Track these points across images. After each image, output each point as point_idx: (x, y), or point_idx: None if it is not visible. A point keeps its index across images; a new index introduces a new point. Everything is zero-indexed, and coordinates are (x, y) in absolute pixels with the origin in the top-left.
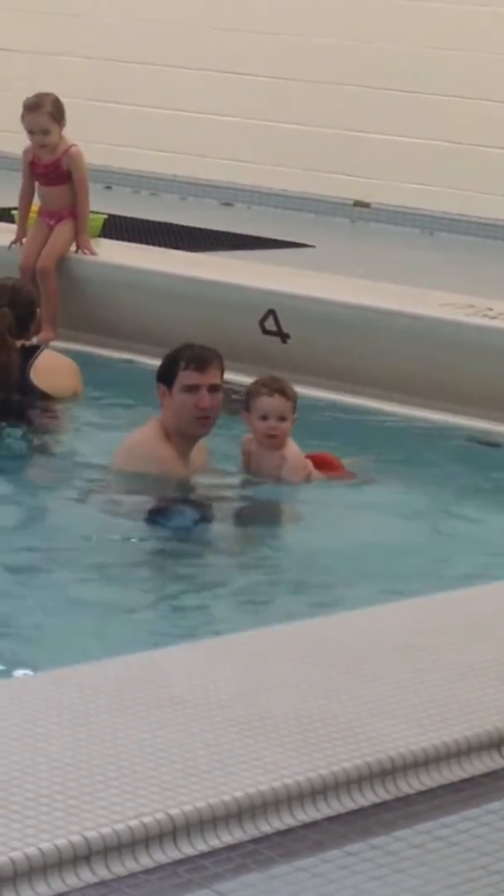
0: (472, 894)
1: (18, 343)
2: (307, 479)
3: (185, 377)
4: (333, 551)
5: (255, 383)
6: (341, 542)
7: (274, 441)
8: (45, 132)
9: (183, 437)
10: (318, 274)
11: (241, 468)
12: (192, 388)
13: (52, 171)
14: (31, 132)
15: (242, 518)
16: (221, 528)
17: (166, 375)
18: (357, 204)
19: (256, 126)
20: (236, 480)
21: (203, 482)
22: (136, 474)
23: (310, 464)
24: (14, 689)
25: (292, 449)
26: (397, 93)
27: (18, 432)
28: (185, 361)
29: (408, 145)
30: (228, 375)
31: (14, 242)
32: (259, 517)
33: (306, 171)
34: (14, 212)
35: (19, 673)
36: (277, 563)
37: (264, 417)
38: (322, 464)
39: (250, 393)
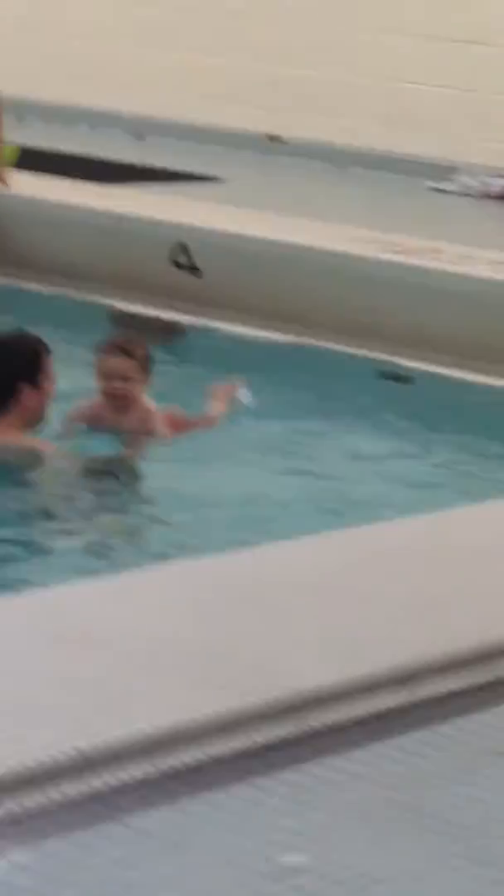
0: (380, 826)
1: None
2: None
3: (50, 363)
4: (237, 493)
5: (104, 342)
6: (244, 484)
7: (116, 402)
8: None
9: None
10: (230, 207)
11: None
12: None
13: None
14: None
15: (132, 467)
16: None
17: (30, 371)
18: (271, 138)
19: (170, 58)
20: (105, 441)
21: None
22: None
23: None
24: None
25: (152, 404)
26: (314, 27)
27: None
28: (46, 351)
29: (323, 80)
30: (142, 310)
31: None
32: (140, 466)
33: (220, 103)
34: None
35: None
36: (177, 507)
37: (106, 377)
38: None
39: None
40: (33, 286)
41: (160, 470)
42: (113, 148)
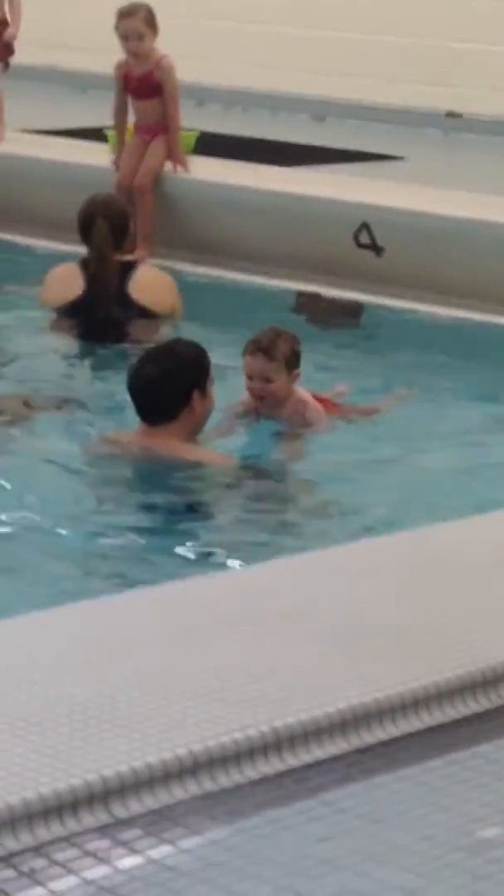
0: None
1: (115, 257)
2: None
3: (211, 367)
4: (428, 469)
5: (250, 342)
6: (434, 461)
7: (262, 403)
8: (140, 38)
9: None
10: (411, 186)
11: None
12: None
13: (145, 83)
14: (125, 38)
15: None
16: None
17: (201, 379)
18: (449, 115)
19: (347, 39)
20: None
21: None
22: None
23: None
24: (116, 606)
25: (306, 396)
26: (491, 2)
27: (120, 351)
28: (207, 355)
29: (499, 54)
30: (323, 290)
31: (116, 160)
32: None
33: (398, 83)
34: (108, 131)
35: (121, 591)
36: (366, 484)
37: (249, 378)
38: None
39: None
40: (215, 271)
41: (326, 457)
42: (294, 130)
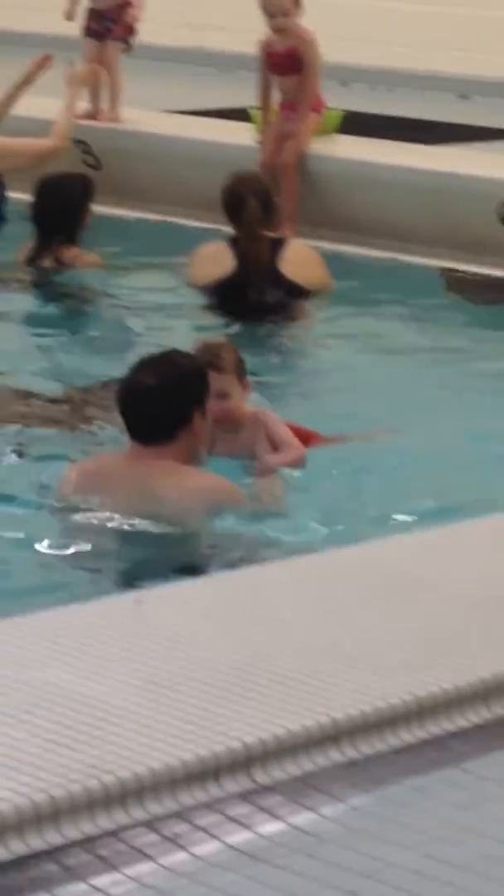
0: None
1: (265, 235)
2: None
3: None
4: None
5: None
6: None
7: (223, 424)
8: (285, 14)
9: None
10: None
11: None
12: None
13: (288, 59)
14: (271, 15)
15: None
16: None
17: (203, 392)
18: None
19: (491, 17)
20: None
21: None
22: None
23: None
24: (259, 576)
25: (260, 410)
26: None
27: (270, 329)
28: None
29: None
30: (467, 267)
31: (261, 139)
32: None
33: None
34: (253, 110)
35: (263, 563)
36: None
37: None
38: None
39: None
40: (360, 250)
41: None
42: (439, 109)
